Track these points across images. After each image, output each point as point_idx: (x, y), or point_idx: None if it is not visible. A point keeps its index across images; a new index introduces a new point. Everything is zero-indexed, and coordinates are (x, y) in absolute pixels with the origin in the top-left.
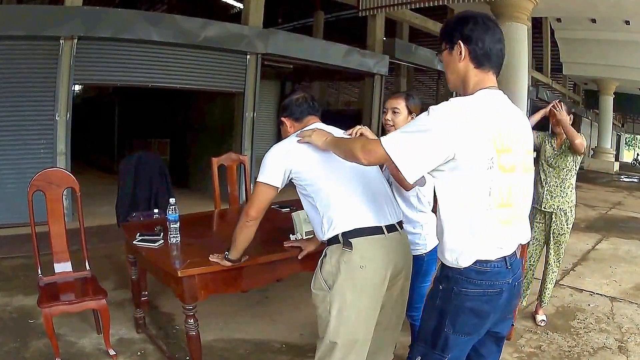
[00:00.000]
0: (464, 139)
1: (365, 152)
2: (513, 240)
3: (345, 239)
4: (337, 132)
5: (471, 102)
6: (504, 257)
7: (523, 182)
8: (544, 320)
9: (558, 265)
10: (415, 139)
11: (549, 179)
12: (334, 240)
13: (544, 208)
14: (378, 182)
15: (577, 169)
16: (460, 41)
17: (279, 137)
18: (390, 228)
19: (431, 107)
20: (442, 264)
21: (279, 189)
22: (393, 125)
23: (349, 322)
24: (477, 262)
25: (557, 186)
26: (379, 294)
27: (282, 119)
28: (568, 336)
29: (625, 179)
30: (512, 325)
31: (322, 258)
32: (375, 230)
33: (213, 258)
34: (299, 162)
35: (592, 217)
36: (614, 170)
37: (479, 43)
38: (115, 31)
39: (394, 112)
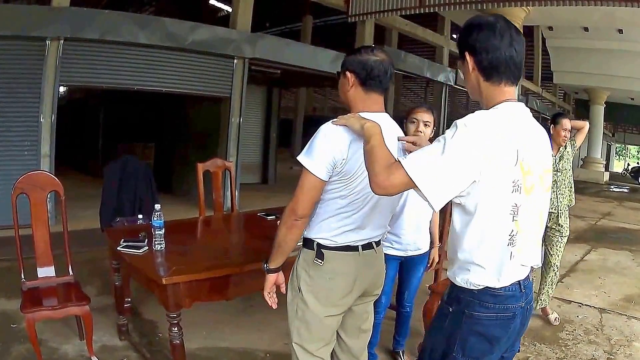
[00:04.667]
0: (493, 160)
1: (387, 170)
2: (526, 265)
3: (319, 249)
4: (397, 133)
5: (498, 119)
6: (519, 281)
7: (541, 203)
8: (557, 318)
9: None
10: (443, 161)
11: (558, 183)
12: (309, 244)
13: (560, 210)
14: (392, 200)
15: None
16: (466, 52)
17: (266, 143)
18: (366, 246)
19: (458, 123)
20: (452, 286)
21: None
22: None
23: (311, 327)
24: (490, 287)
25: (565, 186)
26: (345, 303)
27: (348, 72)
28: (556, 347)
29: (615, 189)
30: (518, 350)
31: (298, 259)
32: (350, 248)
33: (266, 296)
34: (353, 157)
35: (581, 227)
36: (604, 180)
37: (483, 53)
38: (102, 33)
39: (426, 125)
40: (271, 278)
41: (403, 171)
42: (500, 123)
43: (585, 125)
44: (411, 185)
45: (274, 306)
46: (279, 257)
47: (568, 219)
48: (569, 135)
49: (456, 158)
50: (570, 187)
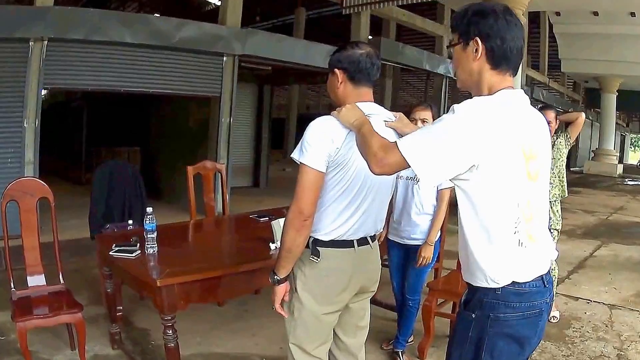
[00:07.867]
0: (492, 145)
1: (383, 150)
2: (544, 256)
3: (314, 246)
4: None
5: (497, 103)
6: (541, 276)
7: (544, 191)
8: (555, 317)
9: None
10: (437, 140)
11: None
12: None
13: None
14: (386, 189)
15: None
16: (477, 38)
17: (258, 144)
18: (362, 241)
19: (455, 107)
20: (471, 289)
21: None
22: None
23: (308, 325)
24: (514, 282)
25: (555, 176)
26: (341, 300)
27: (336, 69)
28: (562, 345)
29: (629, 182)
30: None
31: None
32: (346, 244)
33: (277, 308)
34: (345, 146)
35: (591, 223)
36: (617, 173)
37: (498, 41)
38: (87, 33)
39: (424, 122)
40: (281, 289)
41: (397, 150)
42: (500, 108)
43: (579, 117)
44: (405, 163)
45: (287, 316)
46: (289, 263)
47: (560, 212)
48: (553, 125)
49: (450, 137)
50: (562, 178)
